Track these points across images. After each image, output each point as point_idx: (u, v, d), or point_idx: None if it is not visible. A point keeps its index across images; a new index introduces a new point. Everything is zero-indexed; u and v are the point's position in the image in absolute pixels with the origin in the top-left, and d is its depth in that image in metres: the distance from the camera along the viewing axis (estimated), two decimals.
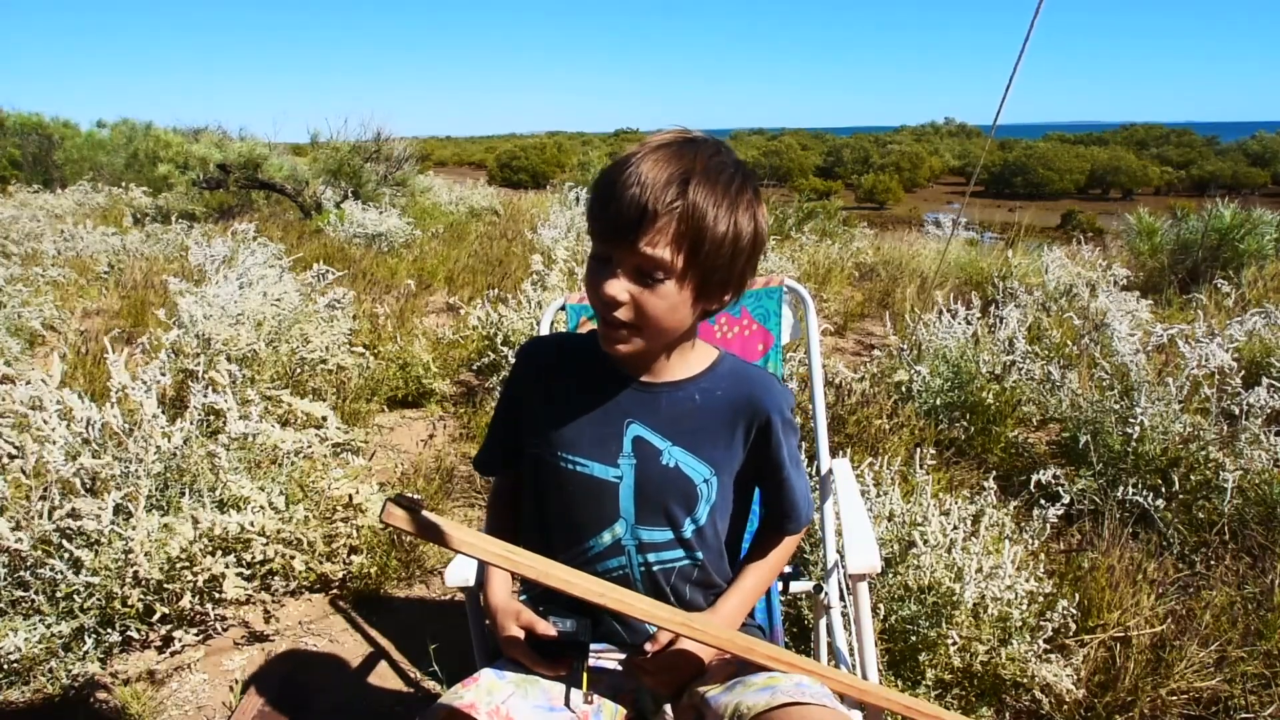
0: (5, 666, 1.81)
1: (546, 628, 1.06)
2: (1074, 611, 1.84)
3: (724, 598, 1.13)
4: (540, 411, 1.11)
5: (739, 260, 0.98)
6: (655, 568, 1.09)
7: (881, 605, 1.92)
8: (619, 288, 0.95)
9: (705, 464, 1.07)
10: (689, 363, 1.09)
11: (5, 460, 1.90)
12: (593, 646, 1.13)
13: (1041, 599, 1.87)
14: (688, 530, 1.08)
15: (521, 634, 1.08)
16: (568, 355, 1.13)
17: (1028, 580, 1.82)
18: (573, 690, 1.05)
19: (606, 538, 1.08)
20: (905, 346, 3.66)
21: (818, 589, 1.45)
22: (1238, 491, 2.43)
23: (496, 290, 4.49)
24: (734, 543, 1.18)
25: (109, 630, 1.91)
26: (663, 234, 0.92)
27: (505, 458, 1.19)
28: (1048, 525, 2.05)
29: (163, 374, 2.27)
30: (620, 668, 1.13)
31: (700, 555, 1.10)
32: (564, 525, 1.11)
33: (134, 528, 1.87)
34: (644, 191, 0.91)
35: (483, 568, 1.24)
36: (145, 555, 1.86)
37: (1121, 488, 2.51)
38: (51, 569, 1.82)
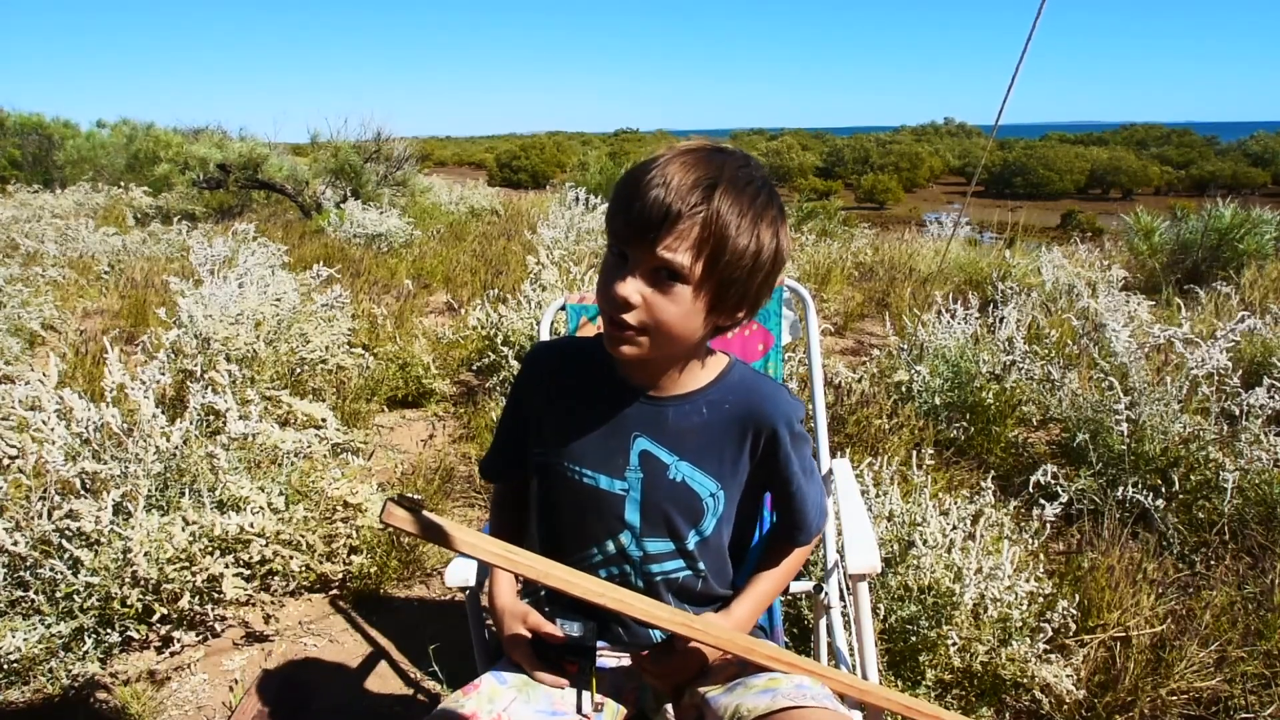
0: (5, 666, 1.81)
1: (553, 630, 1.06)
2: (1074, 612, 1.84)
3: (736, 602, 1.12)
4: (547, 419, 1.10)
5: (757, 276, 0.96)
6: (657, 578, 1.09)
7: (881, 605, 1.92)
8: (632, 288, 0.93)
9: (712, 478, 1.06)
10: (697, 375, 1.07)
11: (5, 461, 1.90)
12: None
13: (1041, 599, 1.87)
14: (691, 542, 1.08)
15: (528, 634, 1.08)
16: (574, 362, 1.12)
17: (1028, 580, 1.82)
18: (584, 695, 1.05)
19: (611, 546, 1.08)
20: (905, 346, 3.65)
21: (818, 589, 1.45)
22: (1238, 491, 2.43)
23: (497, 290, 4.49)
24: (740, 551, 1.17)
25: (109, 630, 1.91)
26: (684, 238, 0.90)
27: (510, 463, 1.19)
28: (1047, 526, 2.04)
29: (162, 374, 2.27)
30: (617, 666, 1.13)
31: (702, 566, 1.10)
32: (569, 531, 1.10)
33: (133, 528, 1.87)
34: (668, 193, 0.90)
35: (485, 568, 1.24)
36: (144, 555, 1.86)
37: (1121, 488, 2.51)
38: (51, 569, 1.82)
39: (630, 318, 0.94)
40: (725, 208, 0.91)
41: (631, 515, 1.06)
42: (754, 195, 0.94)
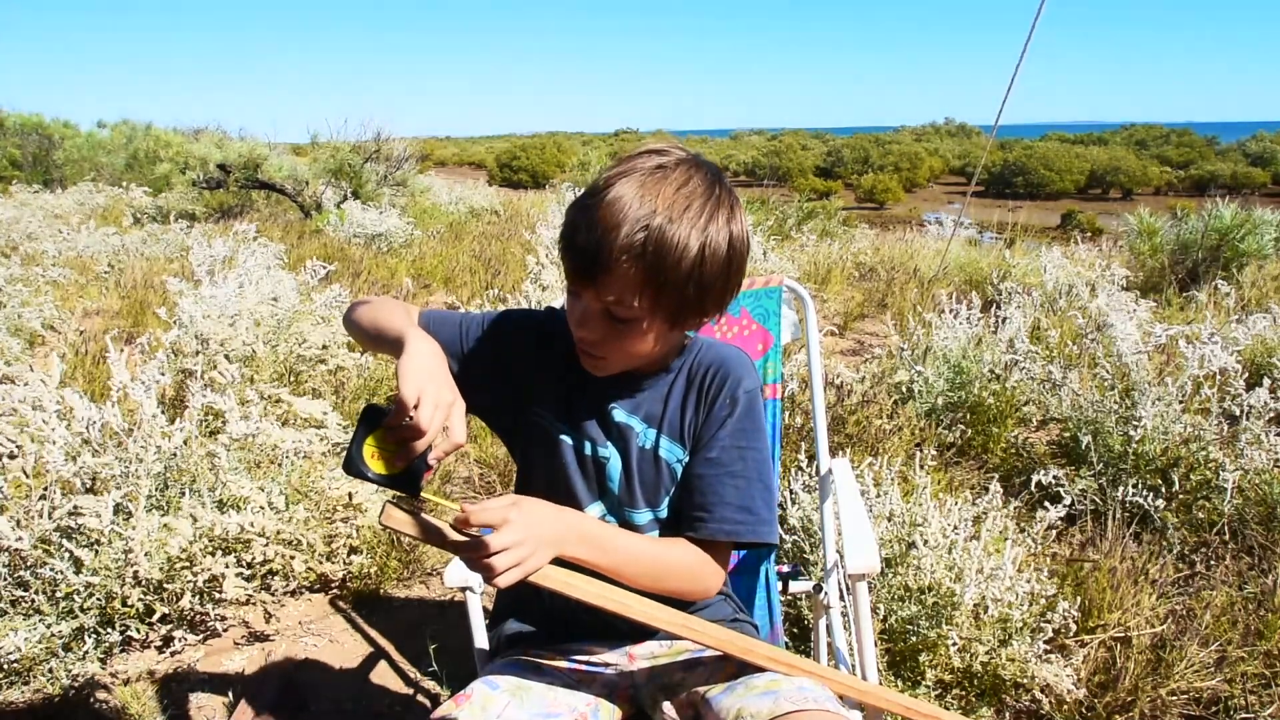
0: (5, 666, 1.81)
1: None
2: (1074, 612, 1.84)
3: (607, 527, 1.04)
4: (528, 379, 1.11)
5: (716, 281, 0.96)
6: None
7: (881, 605, 1.92)
8: (587, 327, 0.97)
9: (680, 445, 1.08)
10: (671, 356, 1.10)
11: (5, 460, 1.90)
12: (584, 645, 1.12)
13: (1042, 600, 1.87)
14: (663, 511, 1.09)
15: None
16: (554, 333, 1.11)
17: (1028, 581, 1.82)
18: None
19: (595, 511, 1.09)
20: (906, 346, 3.65)
21: (817, 589, 1.45)
22: (1238, 491, 2.43)
23: (496, 290, 4.49)
24: None
25: (109, 630, 1.91)
26: (621, 280, 0.91)
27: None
28: (1050, 529, 2.04)
29: (162, 374, 2.27)
30: (613, 668, 1.12)
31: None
32: (550, 495, 1.09)
33: (134, 527, 1.87)
34: (602, 236, 0.89)
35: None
36: (145, 555, 1.86)
37: (1122, 488, 2.51)
38: (52, 569, 1.82)
39: (591, 348, 0.99)
40: (662, 243, 0.89)
41: (612, 484, 1.08)
42: (699, 209, 0.92)
